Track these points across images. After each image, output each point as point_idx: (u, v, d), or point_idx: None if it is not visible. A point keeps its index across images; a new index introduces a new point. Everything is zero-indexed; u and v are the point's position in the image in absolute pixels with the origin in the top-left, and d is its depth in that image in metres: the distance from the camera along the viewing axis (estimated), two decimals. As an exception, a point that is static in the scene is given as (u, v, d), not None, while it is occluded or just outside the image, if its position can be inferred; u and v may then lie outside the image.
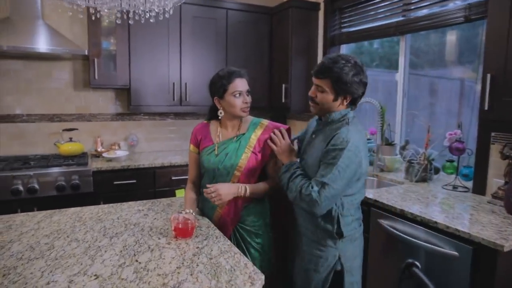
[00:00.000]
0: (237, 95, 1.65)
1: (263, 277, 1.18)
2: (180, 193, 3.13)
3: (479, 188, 2.13)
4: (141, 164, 2.96)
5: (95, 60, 2.98)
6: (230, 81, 1.65)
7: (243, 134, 1.71)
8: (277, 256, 1.87)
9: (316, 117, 1.73)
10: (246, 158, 1.67)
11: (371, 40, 3.15)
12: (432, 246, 1.68)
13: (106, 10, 1.60)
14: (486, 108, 1.75)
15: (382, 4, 2.85)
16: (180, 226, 1.44)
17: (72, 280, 1.11)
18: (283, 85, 3.42)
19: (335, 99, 1.52)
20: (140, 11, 1.52)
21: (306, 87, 3.44)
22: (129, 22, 1.68)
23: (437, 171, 2.45)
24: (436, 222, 1.67)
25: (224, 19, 3.45)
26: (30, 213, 1.73)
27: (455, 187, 2.23)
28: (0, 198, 2.54)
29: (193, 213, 1.58)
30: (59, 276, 1.14)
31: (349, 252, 1.60)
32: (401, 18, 2.70)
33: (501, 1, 1.69)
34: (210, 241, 1.44)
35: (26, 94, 3.13)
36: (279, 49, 3.55)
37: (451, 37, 2.67)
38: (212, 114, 1.81)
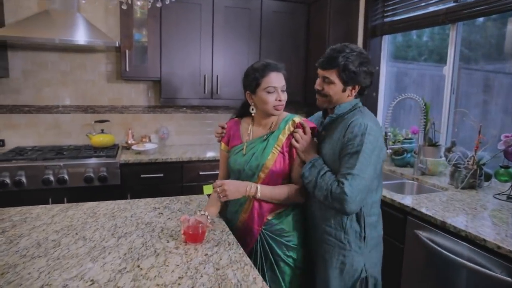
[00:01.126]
0: (271, 90, 1.47)
1: (271, 296, 1.04)
2: (207, 189, 3.04)
3: (540, 200, 1.84)
4: (168, 158, 2.92)
5: (127, 52, 2.97)
6: (264, 75, 1.48)
7: (273, 132, 1.54)
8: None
9: (316, 115, 1.67)
10: (272, 158, 1.49)
11: (417, 29, 2.86)
12: (478, 267, 1.45)
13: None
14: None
15: (431, -11, 2.57)
16: (190, 231, 1.33)
17: (66, 285, 1.04)
18: (319, 79, 3.23)
19: (343, 90, 1.45)
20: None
21: (343, 81, 3.22)
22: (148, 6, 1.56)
23: (488, 177, 2.16)
24: (484, 240, 1.43)
25: (258, 9, 3.31)
26: (48, 206, 1.72)
27: (509, 197, 1.94)
28: (33, 187, 2.60)
29: (208, 216, 1.47)
30: (55, 279, 1.07)
31: (374, 258, 1.48)
32: (452, 4, 2.41)
33: None
34: (221, 248, 1.32)
35: (62, 86, 3.19)
36: (316, 40, 3.35)
37: (513, 27, 2.35)
38: (243, 110, 1.65)
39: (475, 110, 2.53)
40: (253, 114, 1.58)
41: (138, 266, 1.16)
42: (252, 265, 1.21)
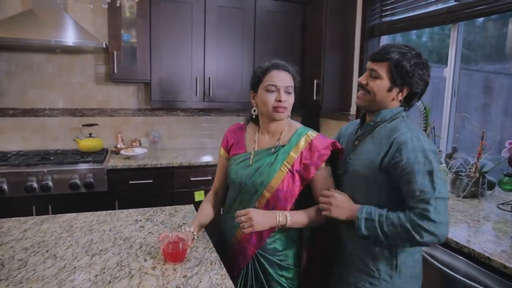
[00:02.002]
0: (271, 89, 1.33)
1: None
2: (199, 195, 2.94)
3: (546, 210, 1.74)
4: (158, 163, 2.80)
5: (115, 53, 2.86)
6: (266, 72, 1.35)
7: (283, 146, 1.38)
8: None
9: (354, 121, 1.47)
10: (280, 177, 1.33)
11: (417, 29, 2.75)
12: None
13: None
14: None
15: (431, -12, 2.46)
16: (169, 249, 1.23)
17: (24, 316, 0.94)
18: (315, 81, 3.12)
19: (390, 89, 1.26)
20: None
21: (340, 83, 3.12)
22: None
23: (491, 186, 2.05)
24: (489, 259, 1.32)
25: (252, 9, 3.20)
26: (22, 219, 1.60)
27: (514, 208, 1.84)
28: (16, 195, 2.49)
29: (194, 232, 1.37)
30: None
31: None
32: (453, 3, 2.30)
33: None
34: (202, 268, 1.21)
35: (49, 88, 3.08)
36: (312, 40, 3.24)
37: (514, 27, 2.26)
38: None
39: (475, 112, 2.43)
40: (254, 117, 1.46)
41: (108, 291, 1.06)
42: (235, 289, 1.10)
